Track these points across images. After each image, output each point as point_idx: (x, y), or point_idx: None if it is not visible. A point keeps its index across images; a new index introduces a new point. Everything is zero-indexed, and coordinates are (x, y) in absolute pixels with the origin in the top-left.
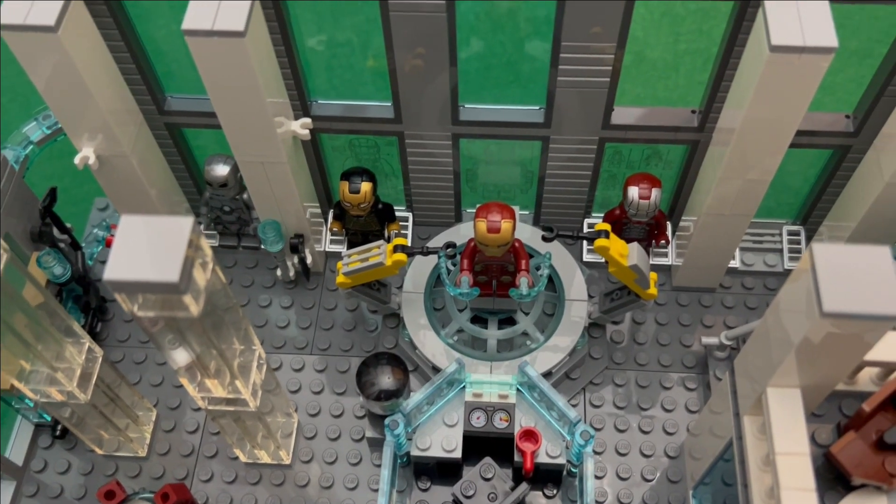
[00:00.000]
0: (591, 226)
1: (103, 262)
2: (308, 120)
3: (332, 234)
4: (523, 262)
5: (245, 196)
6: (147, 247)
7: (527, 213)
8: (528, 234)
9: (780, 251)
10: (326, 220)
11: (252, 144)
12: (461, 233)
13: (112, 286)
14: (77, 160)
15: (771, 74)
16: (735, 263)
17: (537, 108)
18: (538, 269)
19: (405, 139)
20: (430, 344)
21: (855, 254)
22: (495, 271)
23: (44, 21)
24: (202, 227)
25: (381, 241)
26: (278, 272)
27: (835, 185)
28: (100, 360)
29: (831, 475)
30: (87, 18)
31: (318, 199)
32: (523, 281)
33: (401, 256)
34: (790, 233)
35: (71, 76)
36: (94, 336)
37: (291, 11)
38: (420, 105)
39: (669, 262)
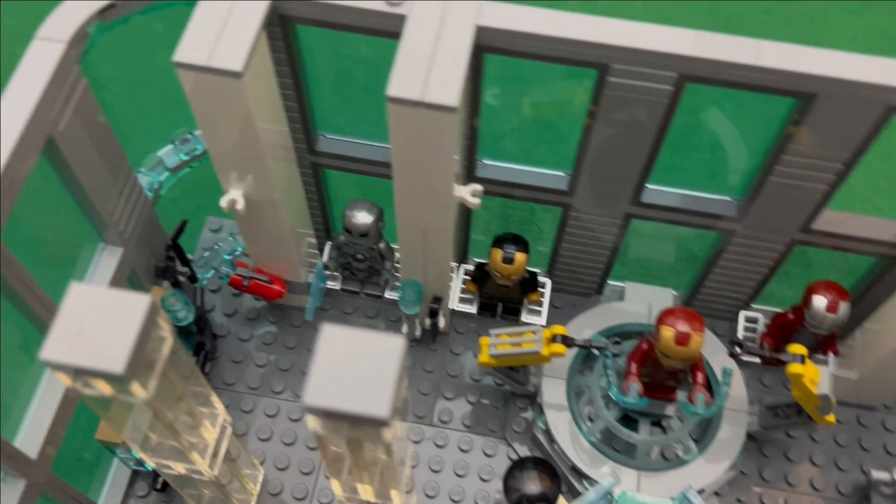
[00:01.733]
0: (749, 320)
1: (213, 292)
2: (479, 187)
3: (463, 294)
4: (700, 374)
5: (382, 246)
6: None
7: (677, 293)
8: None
9: None
10: (459, 276)
11: (423, 209)
12: (607, 310)
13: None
14: (224, 203)
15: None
16: None
17: (729, 199)
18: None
19: (570, 212)
20: (572, 442)
21: None
22: (664, 375)
23: (231, 66)
24: (328, 270)
25: (539, 326)
26: (403, 328)
27: None
28: (230, 431)
29: None
30: (266, 57)
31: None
32: (700, 398)
33: (560, 348)
34: None
35: (242, 119)
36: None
37: (488, 70)
38: (601, 183)
39: (828, 371)
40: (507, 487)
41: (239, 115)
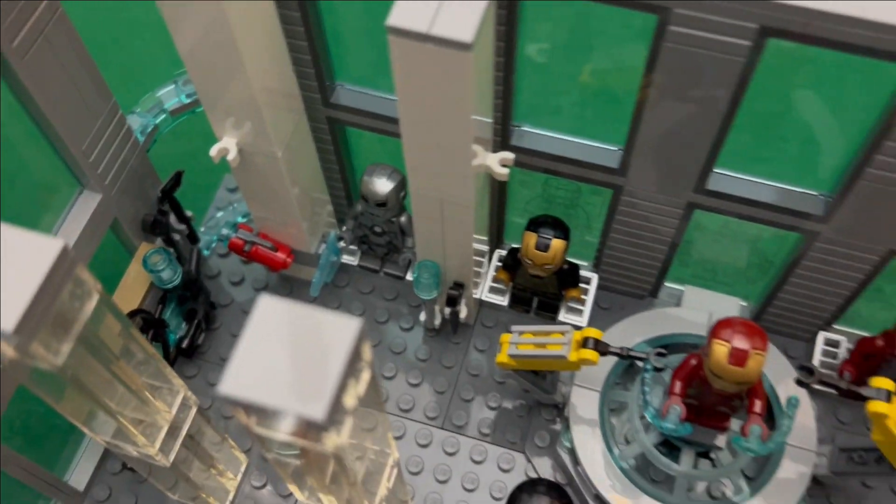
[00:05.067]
0: (829, 342)
1: (222, 256)
2: (510, 155)
3: (494, 283)
4: (758, 403)
5: (403, 219)
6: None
7: (745, 304)
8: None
9: None
10: (490, 262)
11: (437, 177)
12: (660, 316)
13: None
14: (213, 152)
15: None
16: None
17: (816, 193)
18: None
19: (622, 195)
20: (599, 466)
21: None
22: (713, 399)
23: None
24: (342, 242)
25: (569, 327)
26: (422, 316)
27: None
28: (193, 411)
29: None
30: None
31: (489, 239)
32: (755, 430)
33: (591, 354)
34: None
35: (227, 52)
36: (195, 351)
37: (525, 13)
38: (659, 161)
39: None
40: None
41: (224, 47)
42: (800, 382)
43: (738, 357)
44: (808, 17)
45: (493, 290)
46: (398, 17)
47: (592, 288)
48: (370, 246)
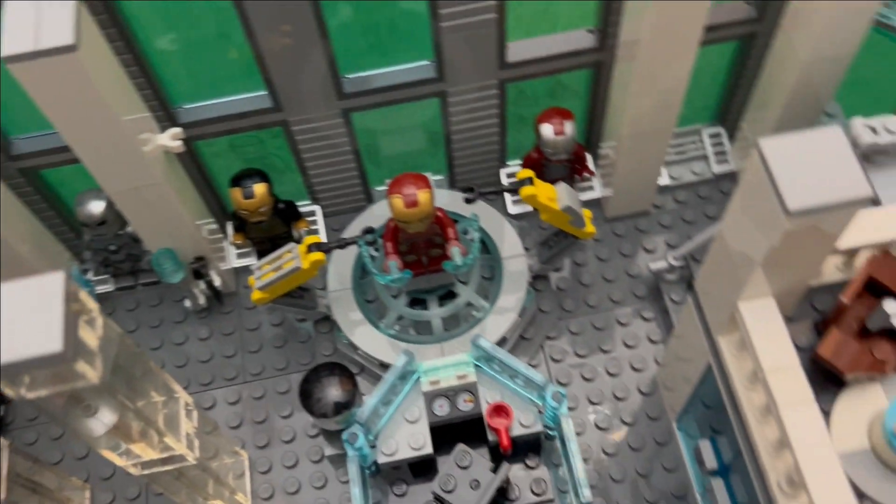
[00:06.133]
0: (510, 175)
1: None
2: (177, 129)
3: (237, 248)
4: (450, 230)
5: (129, 229)
6: (17, 317)
7: (441, 177)
8: (448, 199)
9: (705, 157)
10: (227, 234)
11: (118, 172)
12: (376, 214)
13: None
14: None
15: None
16: (663, 180)
17: (427, 62)
18: (466, 233)
19: (291, 126)
20: (370, 340)
21: (805, 141)
22: (423, 247)
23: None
24: (90, 273)
25: (292, 244)
26: (187, 303)
27: (748, 77)
28: (6, 452)
29: (821, 376)
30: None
31: (211, 214)
32: (455, 251)
33: (318, 255)
34: (711, 136)
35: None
36: (1, 423)
37: (127, 12)
38: (299, 86)
39: (598, 195)
40: (310, 401)
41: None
42: (467, 200)
43: (410, 200)
44: None
45: (240, 255)
46: (7, 47)
47: (319, 217)
48: (115, 266)
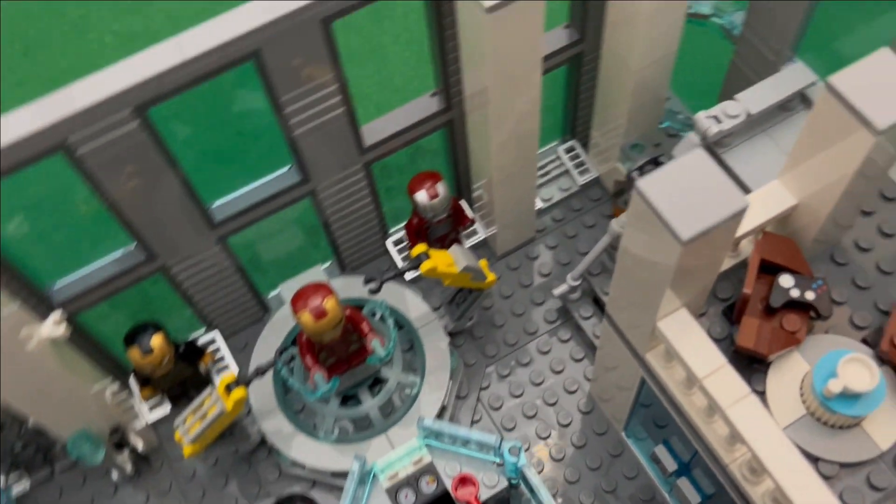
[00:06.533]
0: (397, 243)
1: None
2: (57, 314)
3: (148, 402)
4: (364, 325)
5: (30, 424)
6: None
7: (328, 263)
8: (343, 284)
9: (567, 172)
10: (133, 392)
11: (7, 379)
12: (276, 322)
13: None
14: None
15: (496, 31)
16: (539, 204)
17: (288, 168)
18: (375, 315)
19: (171, 270)
20: (314, 453)
21: (675, 171)
22: (341, 347)
23: None
24: (0, 480)
25: (209, 388)
26: (114, 475)
27: (587, 91)
28: None
29: (744, 361)
30: None
31: (110, 375)
32: (375, 343)
33: (239, 393)
34: (566, 150)
35: None
36: None
37: None
38: (165, 228)
39: (483, 236)
40: None
41: None
42: (372, 291)
43: (318, 312)
44: (164, 82)
45: (152, 409)
46: None
47: (222, 345)
48: (25, 464)
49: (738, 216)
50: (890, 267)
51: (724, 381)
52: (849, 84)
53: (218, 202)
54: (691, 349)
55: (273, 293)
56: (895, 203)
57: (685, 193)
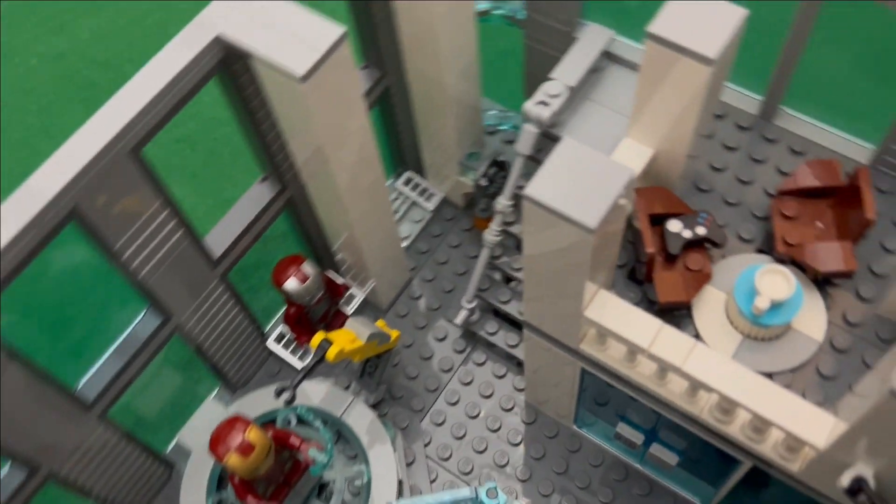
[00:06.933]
0: (280, 338)
1: None
2: None
3: None
4: (293, 440)
5: None
6: None
7: (216, 391)
8: (252, 403)
9: (415, 203)
10: None
11: None
12: (193, 473)
13: None
14: None
15: (316, 94)
16: (403, 242)
17: (144, 311)
18: (290, 422)
19: (59, 475)
20: None
21: (550, 166)
22: (275, 470)
23: None
24: None
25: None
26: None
27: (406, 122)
28: None
29: (668, 315)
30: None
31: None
32: (313, 452)
33: None
34: (405, 182)
35: None
36: None
37: None
38: (39, 432)
39: (363, 296)
40: None
41: None
42: (287, 403)
43: (245, 449)
44: None
45: None
46: None
47: None
48: None
49: (629, 185)
50: (748, 176)
51: (668, 341)
52: (668, 28)
53: (83, 379)
54: (626, 324)
55: (171, 445)
56: (725, 118)
57: (572, 184)
